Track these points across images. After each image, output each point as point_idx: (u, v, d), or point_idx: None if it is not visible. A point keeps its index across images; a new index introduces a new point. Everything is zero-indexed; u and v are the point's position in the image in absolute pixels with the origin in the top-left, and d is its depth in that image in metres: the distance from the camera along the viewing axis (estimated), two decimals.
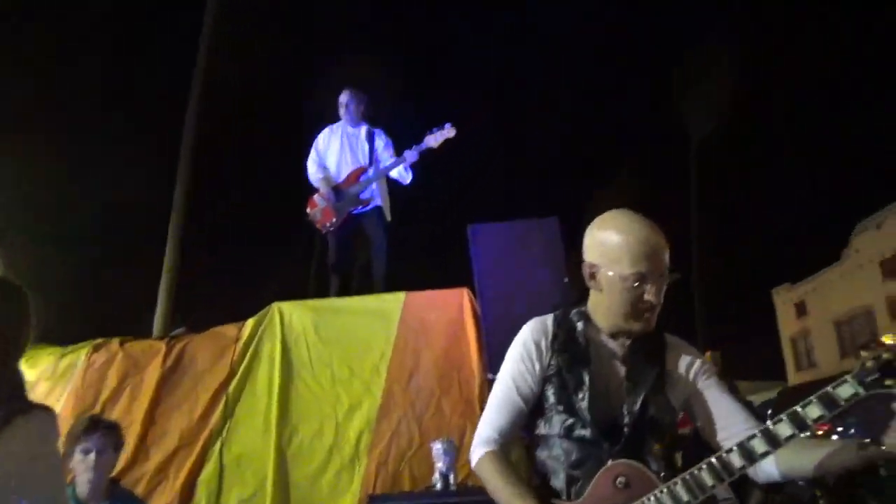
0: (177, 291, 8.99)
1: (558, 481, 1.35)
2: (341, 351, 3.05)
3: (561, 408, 1.38)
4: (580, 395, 1.37)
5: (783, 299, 24.53)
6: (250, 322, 3.15)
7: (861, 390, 1.17)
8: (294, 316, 3.17)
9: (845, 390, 1.19)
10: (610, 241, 1.38)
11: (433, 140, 3.93)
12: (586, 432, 1.35)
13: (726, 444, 1.32)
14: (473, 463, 1.42)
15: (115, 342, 3.00)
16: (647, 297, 1.36)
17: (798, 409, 1.21)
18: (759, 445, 1.24)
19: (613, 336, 1.42)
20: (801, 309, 23.66)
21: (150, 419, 2.77)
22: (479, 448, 1.41)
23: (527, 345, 1.44)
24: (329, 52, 14.92)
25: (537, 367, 1.42)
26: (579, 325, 1.44)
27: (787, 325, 24.29)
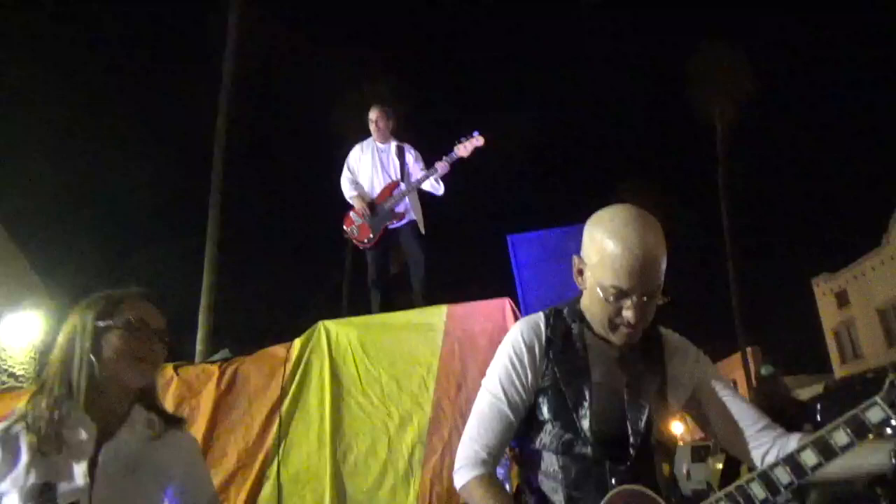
0: (215, 313, 9.22)
1: (557, 501, 1.22)
2: (389, 366, 3.06)
3: (558, 423, 1.25)
4: (581, 412, 1.23)
5: (823, 289, 23.85)
6: (298, 342, 3.18)
7: (892, 414, 1.09)
8: (340, 334, 3.19)
9: (875, 414, 1.10)
10: (598, 243, 1.24)
11: (462, 149, 4.01)
12: (587, 450, 1.22)
13: (740, 447, 1.25)
14: (459, 485, 1.26)
15: (169, 367, 3.08)
16: (625, 313, 1.22)
17: (824, 433, 1.11)
18: (782, 475, 1.12)
19: (606, 339, 1.29)
20: (842, 298, 22.95)
21: (207, 442, 2.83)
22: (468, 470, 1.25)
23: (518, 350, 1.29)
24: (356, 64, 15.16)
25: (530, 375, 1.28)
26: (574, 328, 1.30)
27: (829, 315, 23.58)
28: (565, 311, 1.34)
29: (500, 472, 1.45)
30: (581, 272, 1.31)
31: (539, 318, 1.34)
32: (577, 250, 1.31)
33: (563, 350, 1.29)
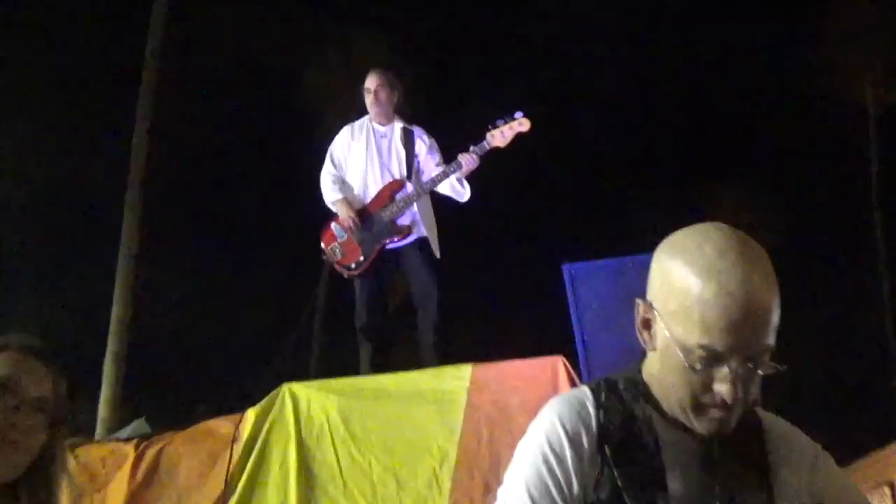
0: (128, 362, 9.29)
1: None
2: (383, 453, 3.06)
3: None
4: None
5: None
6: (251, 413, 3.19)
7: None
8: (313, 403, 3.21)
9: None
10: (677, 282, 1.21)
11: (499, 136, 4.04)
12: None
13: None
14: None
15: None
16: (718, 387, 1.18)
17: None
18: None
19: (686, 427, 1.25)
20: None
21: None
22: None
23: (556, 445, 1.25)
24: (336, 16, 15.41)
25: (574, 484, 1.24)
26: (638, 410, 1.28)
27: None
28: (621, 383, 1.31)
29: None
30: (648, 325, 1.28)
31: (584, 395, 1.31)
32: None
33: (624, 445, 1.26)
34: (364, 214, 4.19)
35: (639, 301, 1.28)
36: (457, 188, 4.18)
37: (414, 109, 4.66)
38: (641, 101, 16.44)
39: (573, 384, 3.14)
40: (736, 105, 16.09)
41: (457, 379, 3.23)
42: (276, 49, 14.46)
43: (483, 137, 4.04)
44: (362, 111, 4.48)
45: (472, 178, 4.16)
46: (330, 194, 4.30)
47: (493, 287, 15.02)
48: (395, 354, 4.24)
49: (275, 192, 15.34)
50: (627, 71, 16.36)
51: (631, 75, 16.35)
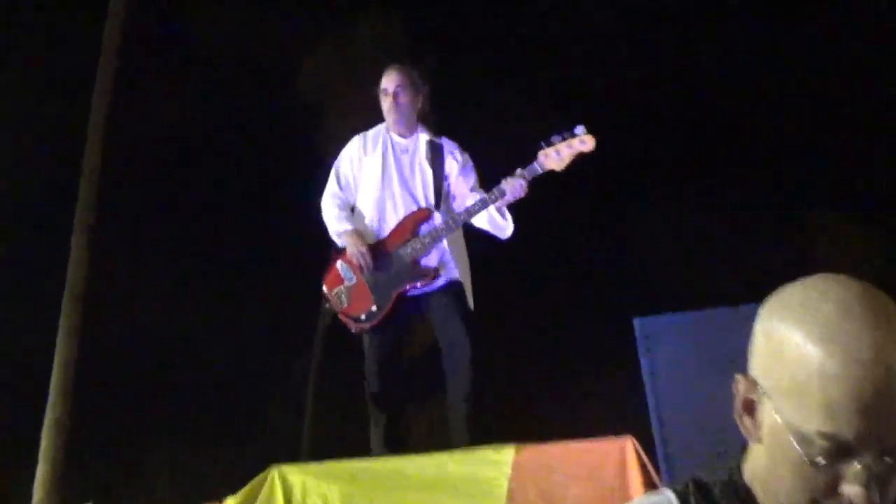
0: (73, 436, 9.31)
1: None
2: None
3: None
4: None
5: None
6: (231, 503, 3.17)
7: None
8: (310, 491, 3.21)
9: None
10: (790, 350, 1.18)
11: (555, 156, 4.04)
12: None
13: None
14: None
15: None
16: (847, 489, 1.15)
17: None
18: None
19: None
20: None
21: None
22: None
23: None
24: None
25: None
26: None
27: None
28: (717, 488, 1.30)
29: None
30: (751, 408, 1.25)
31: (669, 502, 1.31)
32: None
33: None
34: (379, 251, 4.19)
35: (738, 377, 1.25)
36: (497, 221, 4.18)
37: (443, 118, 4.66)
38: (723, 121, 16.51)
39: (642, 467, 3.13)
40: (836, 125, 16.07)
41: (495, 464, 3.22)
42: (261, 36, 14.66)
43: (534, 157, 4.03)
44: (375, 117, 4.51)
45: (515, 207, 4.15)
46: (335, 224, 4.31)
47: (541, 345, 14.98)
48: (415, 430, 4.22)
49: (261, 215, 15.46)
50: (690, 85, 16.45)
51: (702, 93, 16.44)
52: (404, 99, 4.35)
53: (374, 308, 4.14)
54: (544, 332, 15.15)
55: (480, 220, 4.21)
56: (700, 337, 4.01)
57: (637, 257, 15.05)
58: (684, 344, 3.98)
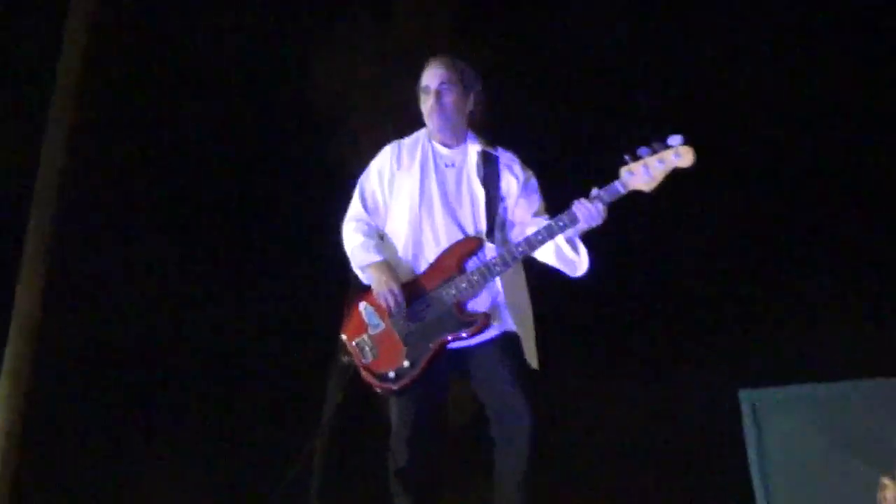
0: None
1: None
2: None
3: None
4: None
5: None
6: None
7: None
8: None
9: None
10: None
11: (643, 173, 4.00)
12: None
13: None
14: None
15: None
16: None
17: None
18: None
19: None
20: None
21: None
22: None
23: None
24: None
25: None
26: None
27: None
28: None
29: None
30: None
31: None
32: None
33: None
34: (414, 291, 4.16)
35: (886, 482, 1.32)
36: (567, 255, 4.15)
37: (500, 124, 4.62)
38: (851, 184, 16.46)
39: None
40: None
41: None
42: (259, 24, 14.74)
43: (615, 174, 3.99)
44: (412, 121, 4.53)
45: (591, 238, 4.11)
46: (359, 254, 4.30)
47: (619, 417, 14.84)
48: None
49: (262, 236, 15.46)
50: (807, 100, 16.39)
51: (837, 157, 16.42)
52: (450, 99, 4.35)
53: (405, 364, 4.09)
54: (626, 401, 14.99)
55: (545, 254, 4.18)
56: (817, 414, 4.03)
57: (745, 320, 14.91)
58: (798, 421, 4.02)
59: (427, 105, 4.37)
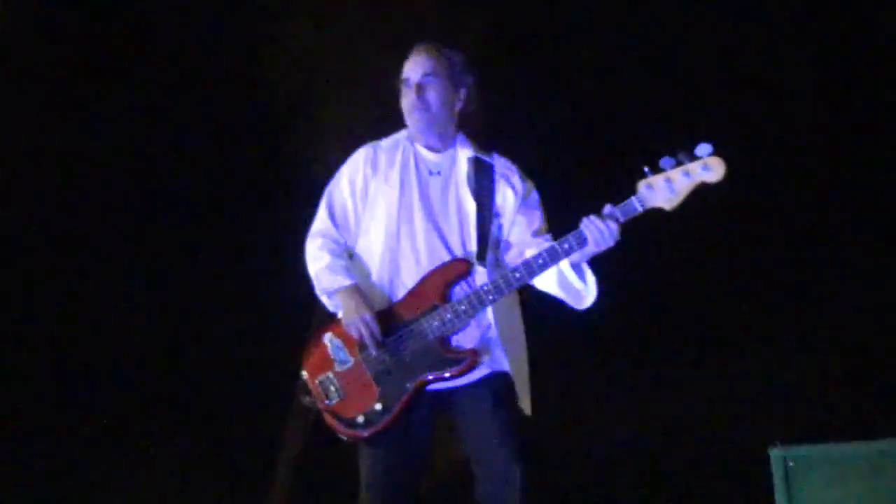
0: None
1: None
2: None
3: None
4: None
5: None
6: None
7: None
8: None
9: None
10: None
11: (665, 189, 3.99)
12: None
13: None
14: None
15: None
16: None
17: None
18: None
19: None
20: None
21: None
22: None
23: None
24: None
25: None
26: None
27: None
28: None
29: None
30: None
31: None
32: None
33: None
34: (390, 321, 4.16)
35: None
36: (572, 283, 4.14)
37: (500, 126, 4.67)
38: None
39: None
40: None
41: None
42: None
43: (631, 189, 3.99)
44: (392, 121, 4.57)
45: (600, 262, 4.14)
46: (325, 277, 4.30)
47: (625, 478, 14.84)
48: None
49: (205, 249, 15.39)
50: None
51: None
52: (435, 94, 4.35)
53: (377, 406, 4.09)
54: (636, 450, 14.96)
55: (546, 281, 4.16)
56: (857, 474, 4.05)
57: (778, 374, 14.94)
58: (836, 482, 4.04)
59: (407, 101, 4.36)
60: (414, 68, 4.38)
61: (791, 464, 4.08)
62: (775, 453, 4.09)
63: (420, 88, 4.33)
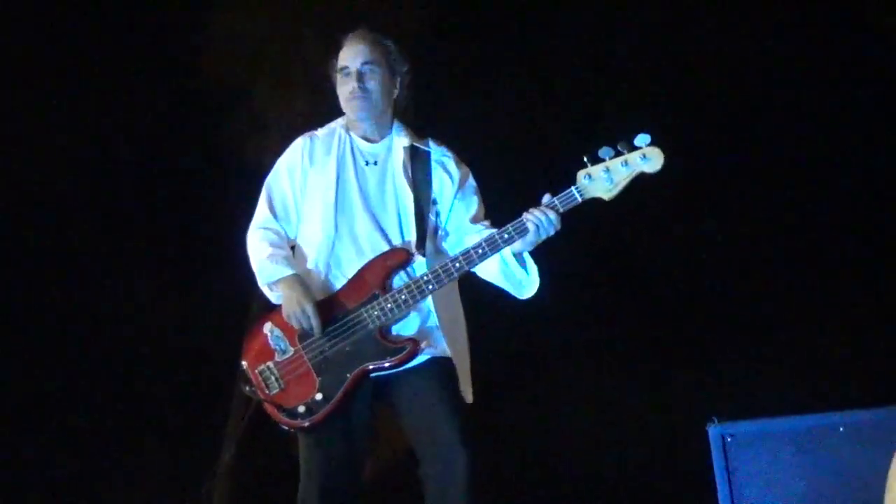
0: None
1: None
2: None
3: None
4: None
5: None
6: None
7: None
8: None
9: None
10: None
11: (603, 178, 4.01)
12: None
13: None
14: None
15: None
16: None
17: None
18: None
19: None
20: None
21: None
22: None
23: None
24: None
25: None
26: None
27: None
28: None
29: None
30: None
31: None
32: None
33: None
34: (330, 311, 4.16)
35: None
36: (514, 272, 4.16)
37: (435, 112, 4.67)
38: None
39: None
40: None
41: None
42: None
43: (571, 179, 4.00)
44: (328, 110, 4.60)
45: (541, 252, 4.14)
46: (267, 268, 4.28)
47: (567, 455, 14.88)
48: None
49: (140, 240, 15.24)
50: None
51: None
52: (375, 82, 4.34)
53: (318, 396, 4.09)
54: (579, 435, 14.98)
55: (488, 270, 4.18)
56: (797, 448, 4.25)
57: (715, 347, 15.02)
58: (774, 457, 4.09)
59: (346, 90, 4.34)
60: (353, 56, 4.37)
61: (729, 439, 4.11)
62: (713, 430, 4.12)
63: (360, 76, 4.32)
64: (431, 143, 4.45)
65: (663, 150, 3.97)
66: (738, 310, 14.99)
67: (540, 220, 3.96)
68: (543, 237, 4.00)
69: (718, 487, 4.25)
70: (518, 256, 4.11)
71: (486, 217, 4.33)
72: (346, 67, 4.37)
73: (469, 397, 4.23)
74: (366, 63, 4.34)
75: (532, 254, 4.15)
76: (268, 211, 4.40)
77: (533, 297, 4.27)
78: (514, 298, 4.30)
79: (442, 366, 4.19)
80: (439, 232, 4.32)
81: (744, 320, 15.08)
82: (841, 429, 4.46)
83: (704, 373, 14.57)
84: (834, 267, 15.58)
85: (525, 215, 4.00)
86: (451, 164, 4.40)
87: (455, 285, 4.31)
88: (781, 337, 14.76)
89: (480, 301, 4.63)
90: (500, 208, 4.22)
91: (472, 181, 4.42)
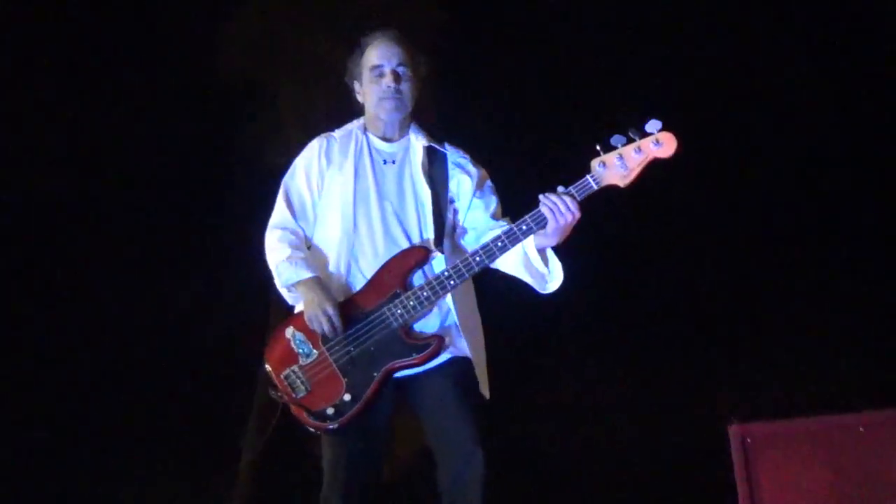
0: None
1: None
2: None
3: None
4: None
5: None
6: None
7: None
8: None
9: None
10: None
11: (618, 167, 4.00)
12: None
13: None
14: None
15: None
16: None
17: None
18: None
19: None
20: None
21: None
22: None
23: None
24: None
25: None
26: None
27: None
28: None
29: None
30: None
31: None
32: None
33: None
34: (352, 312, 4.16)
35: None
36: (535, 266, 4.15)
37: (447, 115, 4.68)
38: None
39: None
40: None
41: None
42: None
43: (586, 168, 4.00)
44: (347, 111, 4.62)
45: (565, 247, 4.14)
46: (286, 270, 4.27)
47: (587, 456, 14.85)
48: None
49: (160, 243, 15.20)
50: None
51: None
52: (408, 84, 4.39)
53: (346, 397, 4.09)
54: (597, 437, 14.93)
55: (512, 263, 4.18)
56: (817, 449, 4.27)
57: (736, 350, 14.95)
58: (794, 458, 4.07)
59: (379, 88, 4.35)
60: (387, 56, 4.39)
61: (749, 440, 4.11)
62: (734, 431, 4.11)
63: (396, 77, 4.34)
64: (447, 146, 4.46)
65: (674, 133, 3.97)
66: (760, 310, 14.94)
67: (555, 204, 3.94)
68: (562, 224, 3.96)
69: (739, 488, 4.24)
70: (541, 252, 4.11)
71: (504, 216, 4.33)
72: (380, 66, 4.38)
73: (487, 393, 4.24)
74: (401, 64, 4.37)
75: (555, 250, 4.14)
76: (286, 210, 4.40)
77: (555, 293, 4.25)
78: (531, 298, 4.32)
79: (461, 366, 4.19)
80: (457, 230, 4.33)
81: (765, 321, 15.03)
82: (861, 429, 4.46)
83: (725, 374, 14.55)
84: (858, 268, 15.51)
85: (541, 202, 3.97)
86: (469, 165, 4.43)
87: (471, 285, 4.34)
88: (801, 338, 14.70)
89: (495, 301, 4.63)
90: (514, 213, 4.20)
91: (489, 182, 4.44)
